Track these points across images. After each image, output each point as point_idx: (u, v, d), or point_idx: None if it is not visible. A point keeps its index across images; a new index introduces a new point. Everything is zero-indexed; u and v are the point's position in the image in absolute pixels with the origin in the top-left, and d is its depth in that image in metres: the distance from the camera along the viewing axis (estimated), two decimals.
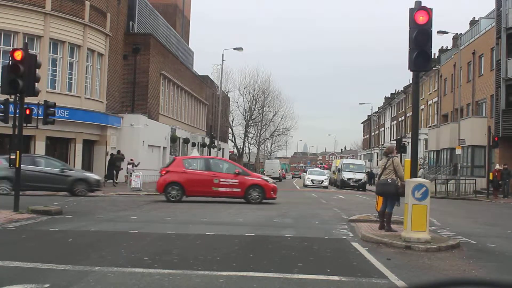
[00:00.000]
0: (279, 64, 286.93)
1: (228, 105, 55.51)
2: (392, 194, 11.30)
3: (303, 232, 11.52)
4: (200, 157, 26.61)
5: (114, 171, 29.59)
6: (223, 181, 19.39)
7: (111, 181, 29.41)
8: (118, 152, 30.84)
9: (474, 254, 9.38)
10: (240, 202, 19.23)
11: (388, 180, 11.27)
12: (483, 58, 37.37)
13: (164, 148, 39.59)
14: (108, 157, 31.14)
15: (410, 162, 11.30)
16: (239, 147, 53.79)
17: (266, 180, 20.35)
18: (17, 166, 13.75)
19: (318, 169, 61.42)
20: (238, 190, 19.37)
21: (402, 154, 33.60)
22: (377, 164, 65.57)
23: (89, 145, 31.21)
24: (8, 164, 19.27)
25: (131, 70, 35.29)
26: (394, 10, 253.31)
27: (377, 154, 68.45)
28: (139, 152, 32.73)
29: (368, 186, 42.27)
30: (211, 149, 46.58)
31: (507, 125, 31.96)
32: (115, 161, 30.08)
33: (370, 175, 48.68)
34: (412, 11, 10.32)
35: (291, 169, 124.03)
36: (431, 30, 10.39)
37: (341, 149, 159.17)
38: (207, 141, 47.91)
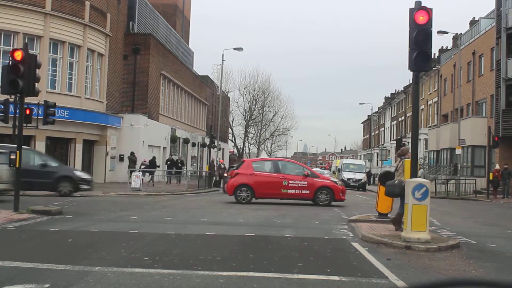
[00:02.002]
0: (279, 64, 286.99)
1: (228, 105, 55.51)
2: (396, 196, 11.32)
3: (303, 232, 11.52)
4: (269, 159, 27.39)
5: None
6: (292, 183, 19.41)
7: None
8: (131, 153, 31.07)
9: (474, 254, 9.38)
10: (232, 201, 19.21)
11: (395, 181, 11.34)
12: (483, 58, 37.38)
13: (164, 148, 39.59)
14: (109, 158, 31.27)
15: (410, 162, 11.29)
16: (239, 147, 53.83)
17: (335, 182, 20.27)
18: (17, 166, 13.74)
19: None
20: (307, 192, 19.39)
21: None
22: (377, 164, 65.60)
23: (89, 145, 31.22)
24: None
25: (131, 70, 35.29)
26: (394, 10, 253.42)
27: (377, 154, 68.40)
28: (139, 152, 32.72)
29: (368, 186, 42.25)
30: (211, 149, 46.55)
31: (507, 125, 31.97)
32: (129, 162, 30.31)
33: (368, 175, 48.72)
34: (412, 11, 10.32)
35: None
36: (431, 30, 10.39)
37: (341, 149, 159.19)
38: (207, 141, 47.89)
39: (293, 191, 19.46)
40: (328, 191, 19.46)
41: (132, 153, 31.15)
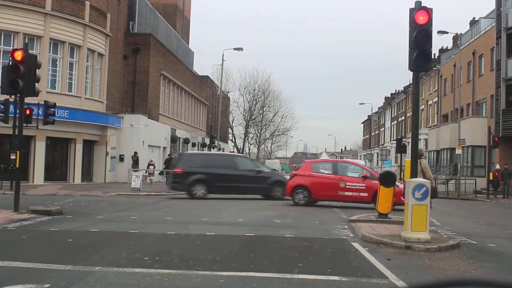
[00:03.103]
0: (279, 64, 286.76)
1: (228, 105, 55.53)
2: None
3: (303, 232, 11.52)
4: (329, 160, 25.94)
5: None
6: (349, 185, 18.61)
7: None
8: (135, 153, 31.21)
9: (474, 254, 9.37)
10: (232, 202, 19.19)
11: None
12: (483, 58, 37.38)
13: (164, 148, 39.59)
14: (109, 157, 31.29)
15: (410, 162, 11.30)
16: (239, 147, 53.80)
17: (396, 185, 19.10)
18: (17, 166, 13.74)
19: None
20: (365, 194, 18.39)
21: (402, 154, 33.65)
22: (377, 165, 65.56)
23: (89, 145, 31.23)
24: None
25: (131, 70, 35.30)
26: (394, 10, 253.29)
27: (377, 154, 68.41)
28: (139, 152, 32.73)
29: None
30: (211, 149, 46.55)
31: (507, 125, 31.97)
32: (132, 162, 30.46)
33: None
34: (412, 11, 10.32)
35: (290, 169, 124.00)
36: (431, 30, 10.39)
37: (341, 149, 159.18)
38: (207, 141, 47.93)
39: (350, 193, 18.59)
40: None
41: (135, 153, 31.29)
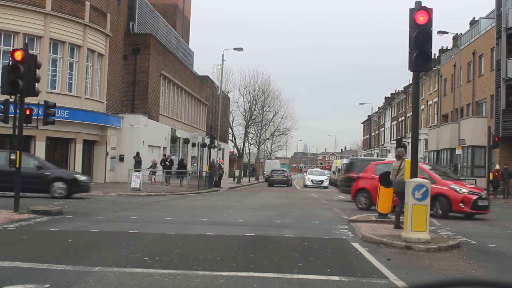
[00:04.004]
0: (279, 64, 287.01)
1: (228, 105, 55.48)
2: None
3: (303, 232, 11.52)
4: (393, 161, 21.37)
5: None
6: None
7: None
8: (137, 154, 31.26)
9: (474, 254, 9.38)
10: (232, 201, 19.15)
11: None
12: (483, 58, 37.37)
13: (164, 148, 39.58)
14: (108, 157, 31.33)
15: (410, 162, 11.32)
16: (239, 147, 53.71)
17: (453, 189, 15.97)
18: (17, 166, 13.73)
19: (318, 169, 61.35)
20: None
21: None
22: None
23: (89, 146, 31.23)
24: None
25: (131, 70, 35.30)
26: (394, 10, 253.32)
27: (377, 154, 68.44)
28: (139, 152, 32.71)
29: None
30: (211, 149, 46.53)
31: (507, 125, 31.97)
32: (135, 162, 30.51)
33: None
34: (412, 11, 10.32)
35: (291, 170, 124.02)
36: (431, 30, 10.40)
37: (341, 149, 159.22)
38: (207, 141, 47.90)
39: None
40: (444, 200, 15.76)
41: (138, 154, 31.32)
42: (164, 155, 36.58)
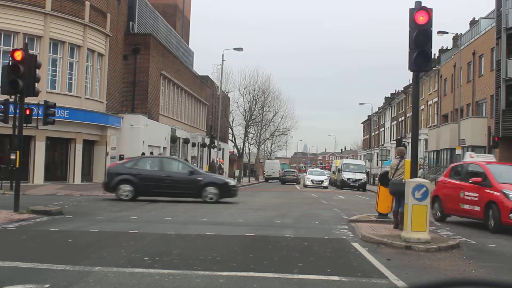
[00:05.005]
0: (279, 64, 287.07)
1: (228, 105, 55.47)
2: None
3: (303, 232, 11.52)
4: (473, 162, 15.35)
5: None
6: (467, 196, 13.94)
7: None
8: (142, 154, 31.17)
9: (474, 254, 9.38)
10: (232, 202, 19.11)
11: (402, 180, 11.53)
12: (483, 58, 37.38)
13: (164, 148, 39.58)
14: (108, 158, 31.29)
15: (410, 163, 11.33)
16: (239, 147, 53.73)
17: (506, 195, 12.58)
18: (17, 166, 13.74)
19: (318, 169, 61.35)
20: (478, 209, 13.37)
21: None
22: (377, 165, 65.57)
23: (89, 146, 31.23)
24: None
25: (131, 70, 35.29)
26: (394, 10, 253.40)
27: (377, 154, 68.41)
28: (139, 152, 32.71)
29: (368, 186, 42.29)
30: (211, 149, 46.55)
31: (507, 125, 31.97)
32: None
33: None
34: (412, 11, 10.33)
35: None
36: (431, 30, 10.40)
37: (341, 149, 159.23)
38: (207, 141, 47.91)
39: (467, 207, 13.88)
40: (495, 209, 12.69)
41: (143, 154, 31.29)
42: (151, 153, 36.66)
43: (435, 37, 38.32)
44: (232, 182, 21.15)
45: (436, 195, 15.42)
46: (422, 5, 10.33)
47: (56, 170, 29.45)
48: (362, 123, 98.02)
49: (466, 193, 13.95)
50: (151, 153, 30.47)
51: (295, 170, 65.88)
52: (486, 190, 13.14)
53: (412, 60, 10.30)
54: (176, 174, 19.49)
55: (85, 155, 30.50)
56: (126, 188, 18.90)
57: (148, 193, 19.24)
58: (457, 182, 14.78)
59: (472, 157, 16.40)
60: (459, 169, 15.54)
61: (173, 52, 43.59)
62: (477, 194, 13.48)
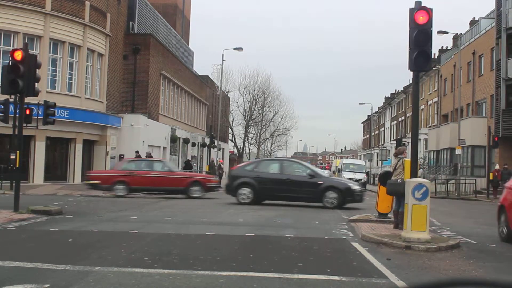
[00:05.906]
0: (279, 64, 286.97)
1: (228, 105, 55.51)
2: (402, 194, 11.41)
3: (303, 232, 11.52)
4: None
5: None
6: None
7: None
8: (137, 152, 31.20)
9: (474, 254, 9.38)
10: (231, 202, 19.09)
11: (399, 180, 11.53)
12: (483, 58, 37.38)
13: (164, 148, 39.58)
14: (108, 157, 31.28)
15: (410, 162, 11.33)
16: (239, 147, 53.81)
17: None
18: (17, 166, 13.74)
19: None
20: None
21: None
22: (377, 164, 65.53)
23: (89, 145, 31.23)
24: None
25: (131, 70, 35.28)
26: (394, 10, 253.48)
27: (377, 154, 68.38)
28: (139, 153, 32.69)
29: (368, 186, 42.27)
30: (211, 149, 46.54)
31: (507, 125, 31.97)
32: None
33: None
34: (412, 11, 10.33)
35: None
36: (431, 30, 10.40)
37: (341, 149, 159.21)
38: (207, 141, 47.92)
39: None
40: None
41: (137, 152, 31.25)
42: (137, 152, 36.58)
43: (435, 37, 38.30)
44: (355, 186, 19.47)
45: (500, 203, 11.64)
46: (422, 5, 10.33)
47: (56, 170, 29.46)
48: (362, 123, 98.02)
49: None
50: (137, 152, 30.25)
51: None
52: None
53: (412, 60, 10.29)
54: (296, 177, 18.91)
55: (85, 155, 30.49)
56: (245, 192, 18.64)
57: (268, 196, 18.84)
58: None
59: None
60: None
61: (173, 52, 43.59)
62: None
